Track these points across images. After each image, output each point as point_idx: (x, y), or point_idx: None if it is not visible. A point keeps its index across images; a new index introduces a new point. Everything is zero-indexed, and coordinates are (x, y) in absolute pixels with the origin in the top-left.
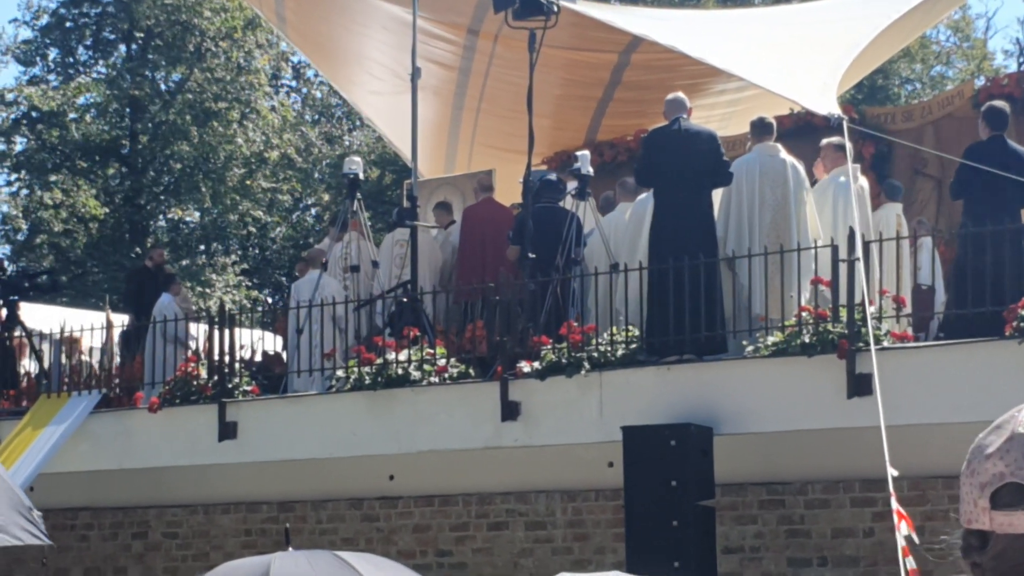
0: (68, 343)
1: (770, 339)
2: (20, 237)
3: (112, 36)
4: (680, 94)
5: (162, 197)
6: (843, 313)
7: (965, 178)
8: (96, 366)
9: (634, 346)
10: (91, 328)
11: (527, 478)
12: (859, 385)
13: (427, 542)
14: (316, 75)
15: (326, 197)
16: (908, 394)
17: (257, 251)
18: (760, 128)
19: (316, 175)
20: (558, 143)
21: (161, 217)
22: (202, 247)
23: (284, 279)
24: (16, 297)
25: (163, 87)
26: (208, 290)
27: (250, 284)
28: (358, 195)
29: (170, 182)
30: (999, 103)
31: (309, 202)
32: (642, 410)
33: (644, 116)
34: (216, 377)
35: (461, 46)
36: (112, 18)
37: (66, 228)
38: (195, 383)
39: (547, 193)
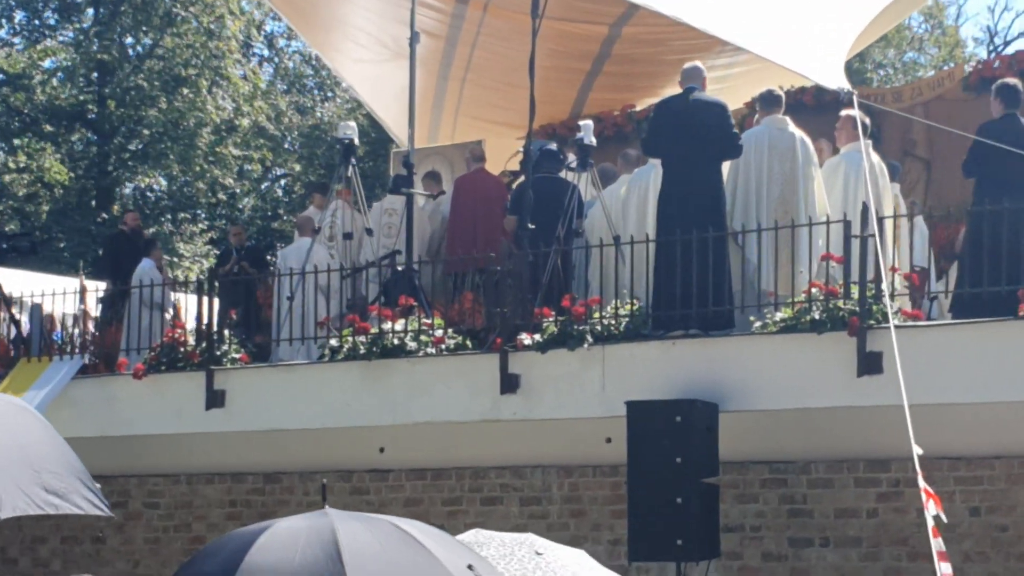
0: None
1: (778, 315)
2: None
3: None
4: (698, 63)
5: (130, 163)
6: (854, 290)
7: (979, 156)
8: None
9: (637, 320)
10: (73, 292)
11: (522, 452)
12: (869, 363)
13: (418, 516)
14: (287, 45)
15: (297, 167)
16: (920, 373)
17: (225, 221)
18: (769, 101)
19: (287, 145)
20: (543, 116)
21: (127, 184)
22: (168, 216)
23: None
24: None
25: (132, 52)
26: (176, 259)
27: (218, 253)
28: (353, 161)
29: (138, 148)
30: (1012, 80)
31: (278, 172)
32: (645, 385)
33: (632, 90)
34: (204, 344)
35: (449, 15)
36: None
37: (30, 193)
38: (182, 349)
39: (547, 163)
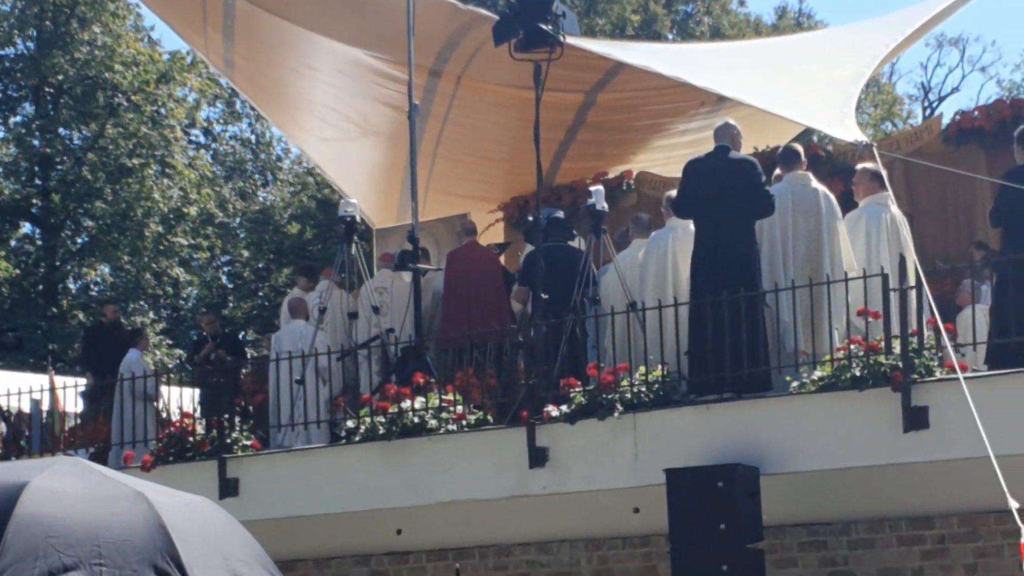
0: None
1: (816, 374)
2: None
3: (17, 94)
4: (730, 120)
5: (77, 256)
6: (895, 344)
7: (1008, 204)
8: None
9: (669, 386)
10: (67, 387)
11: (548, 528)
12: (915, 418)
13: None
14: (224, 130)
15: (245, 253)
16: (966, 426)
17: (170, 311)
18: (789, 157)
19: (237, 232)
20: (514, 188)
21: (71, 278)
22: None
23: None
24: None
25: (73, 144)
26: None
27: (170, 343)
28: (355, 238)
29: (85, 241)
30: None
31: (223, 260)
32: (680, 452)
33: (603, 158)
34: (215, 432)
35: (421, 88)
36: (19, 75)
37: None
38: (191, 439)
39: (555, 232)
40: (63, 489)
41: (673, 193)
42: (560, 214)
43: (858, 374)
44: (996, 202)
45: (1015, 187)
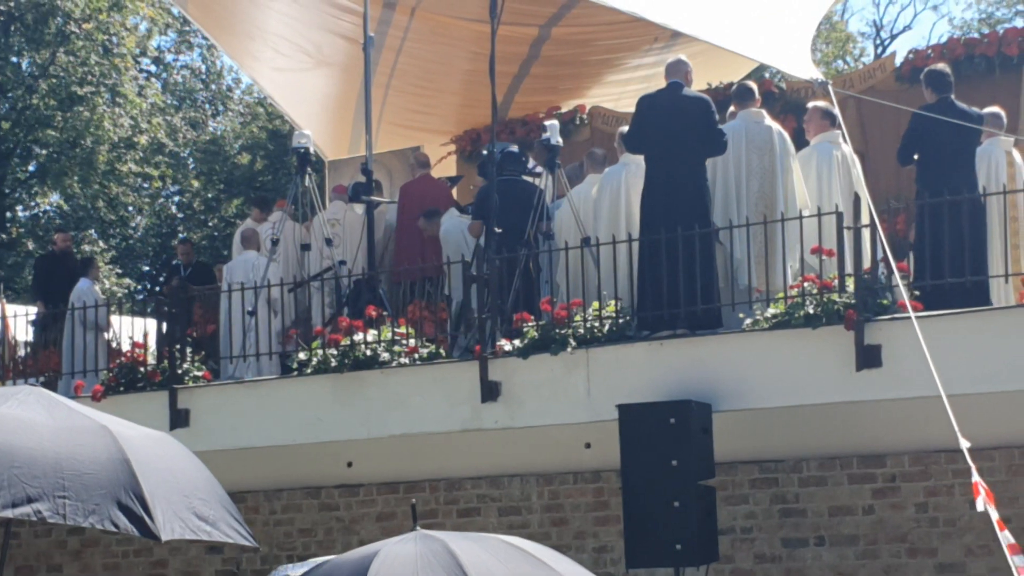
0: None
1: (769, 311)
2: None
3: None
4: (682, 57)
5: (27, 183)
6: (849, 282)
7: (916, 142)
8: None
9: (621, 321)
10: (17, 315)
11: (498, 462)
12: (868, 357)
13: (392, 531)
14: (175, 60)
15: (196, 183)
16: (919, 365)
17: (120, 240)
18: (743, 94)
19: (189, 162)
20: (467, 121)
21: (20, 207)
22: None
23: (147, 267)
24: None
25: (24, 71)
26: None
27: (119, 273)
28: (308, 170)
29: (35, 169)
30: (939, 65)
31: (172, 189)
32: (632, 388)
33: (556, 92)
34: (166, 362)
35: (375, 20)
36: None
37: None
38: (142, 369)
39: (510, 165)
40: (29, 419)
41: (626, 128)
42: (514, 148)
43: (811, 312)
44: (903, 141)
45: (924, 122)
